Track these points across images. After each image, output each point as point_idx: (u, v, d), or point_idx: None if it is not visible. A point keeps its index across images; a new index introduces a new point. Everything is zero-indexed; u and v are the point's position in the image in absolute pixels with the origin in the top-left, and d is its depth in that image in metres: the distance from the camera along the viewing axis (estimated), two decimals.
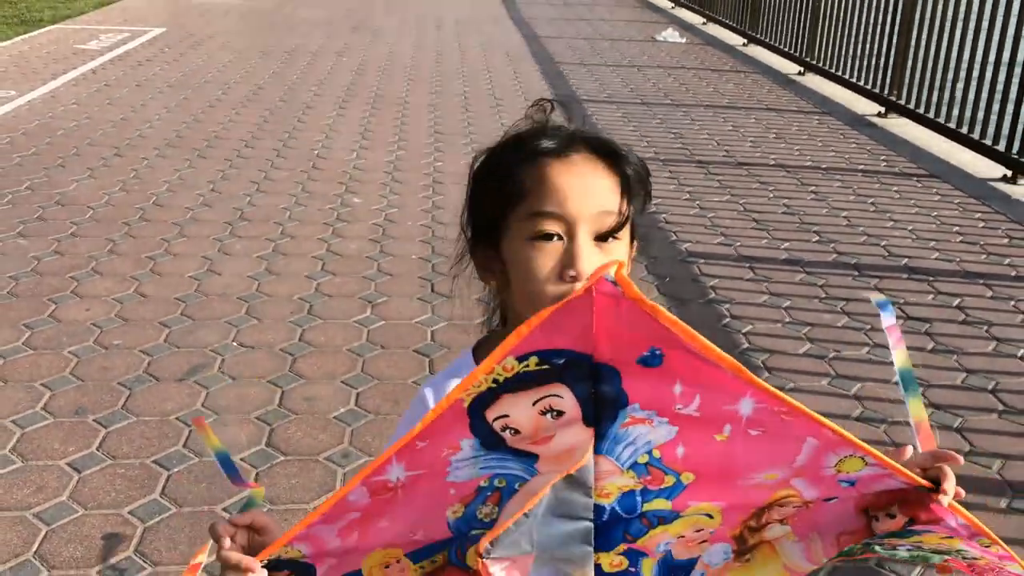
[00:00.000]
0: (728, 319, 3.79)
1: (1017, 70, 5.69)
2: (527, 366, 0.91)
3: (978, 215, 5.08)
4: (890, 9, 7.35)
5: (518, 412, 0.94)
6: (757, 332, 3.68)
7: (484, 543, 1.02)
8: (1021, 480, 2.78)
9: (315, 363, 3.32)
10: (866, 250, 4.54)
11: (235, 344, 3.45)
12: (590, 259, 1.05)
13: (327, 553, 1.02)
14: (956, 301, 3.99)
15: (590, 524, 1.04)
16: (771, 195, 5.33)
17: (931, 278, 4.23)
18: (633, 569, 1.10)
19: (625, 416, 0.96)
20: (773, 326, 3.74)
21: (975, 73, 6.16)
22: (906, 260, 4.42)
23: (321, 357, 3.36)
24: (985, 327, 3.75)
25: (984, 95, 6.00)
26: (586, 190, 1.06)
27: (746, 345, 3.58)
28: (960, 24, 6.38)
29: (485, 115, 7.03)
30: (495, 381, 0.91)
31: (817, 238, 4.68)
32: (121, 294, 3.81)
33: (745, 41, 10.47)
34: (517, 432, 0.95)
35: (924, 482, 1.03)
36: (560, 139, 1.10)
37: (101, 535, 2.44)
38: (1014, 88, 5.70)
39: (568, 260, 1.05)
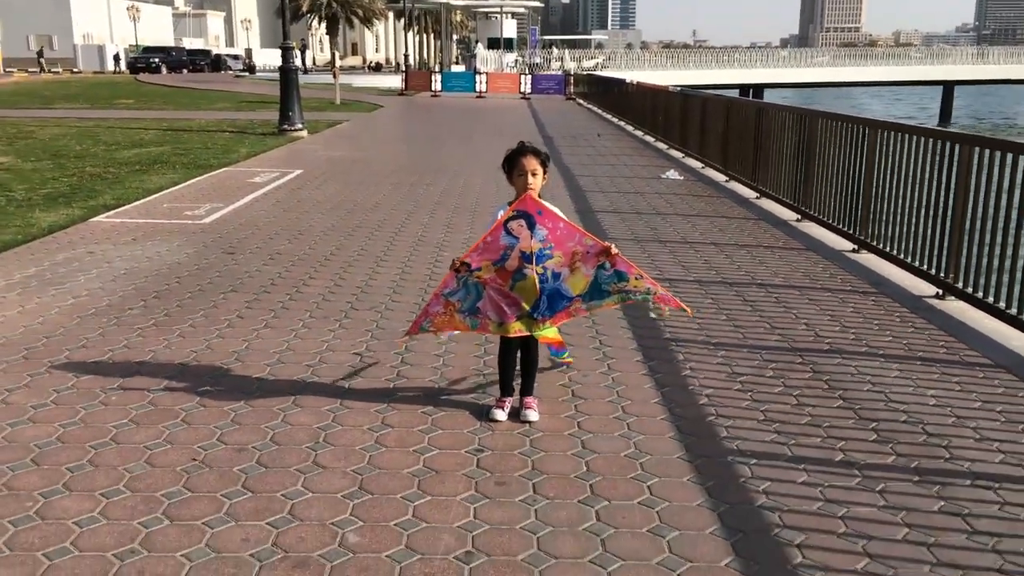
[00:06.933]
0: None
1: None
2: (515, 214, 4.43)
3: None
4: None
5: (515, 225, 4.44)
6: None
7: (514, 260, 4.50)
8: None
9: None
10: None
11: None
12: (534, 182, 4.53)
13: (472, 260, 4.50)
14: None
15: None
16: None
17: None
18: (542, 272, 4.51)
19: (536, 228, 4.44)
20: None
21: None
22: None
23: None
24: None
25: None
26: (530, 164, 4.55)
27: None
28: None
29: None
30: (509, 218, 4.44)
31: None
32: (304, 317, 7.25)
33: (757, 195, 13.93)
34: (515, 230, 4.44)
35: (607, 244, 4.46)
36: (524, 149, 4.59)
37: None
38: None
39: (526, 184, 4.53)
